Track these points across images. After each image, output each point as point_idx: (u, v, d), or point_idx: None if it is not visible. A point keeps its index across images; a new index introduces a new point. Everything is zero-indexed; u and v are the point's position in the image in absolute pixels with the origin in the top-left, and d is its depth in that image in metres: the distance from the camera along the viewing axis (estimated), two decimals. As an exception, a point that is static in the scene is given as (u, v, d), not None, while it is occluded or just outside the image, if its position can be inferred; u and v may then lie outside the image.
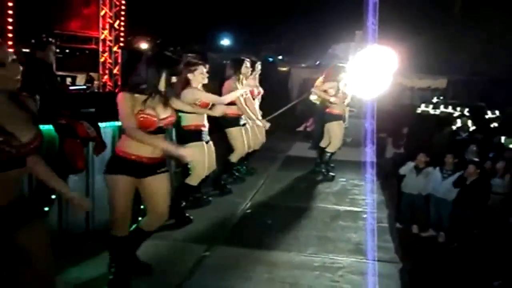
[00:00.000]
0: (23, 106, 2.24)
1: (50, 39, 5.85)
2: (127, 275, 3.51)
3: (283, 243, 4.56)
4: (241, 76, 5.87)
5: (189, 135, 4.79)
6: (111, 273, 3.48)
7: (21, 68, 2.18)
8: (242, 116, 5.90)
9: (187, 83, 4.72)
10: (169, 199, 3.59)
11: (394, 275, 4.05)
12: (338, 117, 6.92)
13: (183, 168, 5.23)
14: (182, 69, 4.65)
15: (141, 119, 3.23)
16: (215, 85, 5.41)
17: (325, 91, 6.81)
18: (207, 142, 4.88)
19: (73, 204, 2.59)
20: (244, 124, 5.97)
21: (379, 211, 5.62)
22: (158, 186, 3.44)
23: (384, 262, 4.24)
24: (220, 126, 5.69)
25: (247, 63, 5.95)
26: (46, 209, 3.87)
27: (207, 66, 4.86)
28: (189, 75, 4.72)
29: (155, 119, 3.27)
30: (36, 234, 2.33)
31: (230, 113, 5.64)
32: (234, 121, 5.73)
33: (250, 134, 6.22)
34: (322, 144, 7.07)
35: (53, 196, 3.93)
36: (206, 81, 4.83)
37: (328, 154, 7.03)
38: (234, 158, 5.93)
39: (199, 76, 4.76)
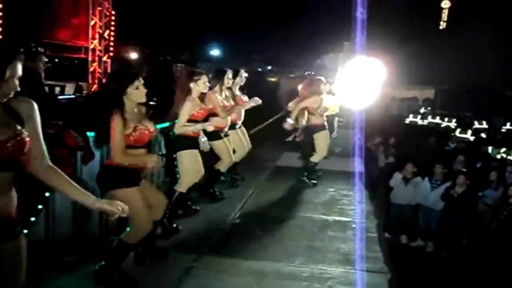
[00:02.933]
0: (8, 109, 2.14)
1: (40, 49, 5.85)
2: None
3: (271, 253, 4.54)
4: (223, 87, 5.91)
5: (185, 142, 4.82)
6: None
7: (17, 84, 2.12)
8: (225, 129, 5.91)
9: (188, 93, 4.77)
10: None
11: (383, 285, 4.05)
12: (321, 127, 6.98)
13: (172, 177, 5.22)
14: (183, 79, 4.75)
15: (138, 133, 3.41)
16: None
17: (303, 108, 6.87)
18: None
19: (106, 212, 2.40)
20: (226, 135, 5.99)
21: (368, 221, 5.62)
22: (148, 187, 3.75)
23: (373, 273, 4.24)
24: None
25: (229, 74, 6.00)
26: (33, 219, 3.83)
27: (210, 76, 4.95)
28: (191, 84, 4.79)
29: (148, 132, 3.50)
30: (15, 253, 2.17)
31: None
32: (215, 134, 5.71)
33: (236, 142, 6.26)
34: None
35: (40, 206, 3.89)
36: (207, 90, 4.96)
37: (311, 164, 7.10)
38: (222, 167, 5.94)
39: (202, 85, 4.85)
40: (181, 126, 4.75)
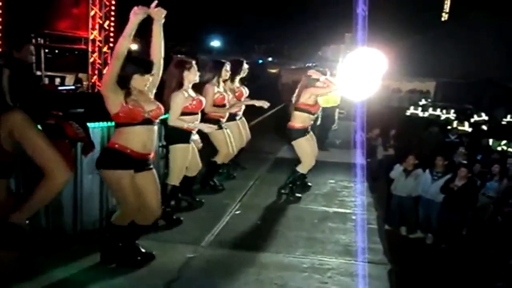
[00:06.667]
0: None
1: (39, 39, 5.72)
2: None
3: (271, 244, 4.55)
4: (220, 80, 5.82)
5: (178, 136, 4.78)
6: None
7: None
8: (222, 120, 5.84)
9: (180, 84, 4.68)
10: (159, 195, 3.83)
11: (383, 277, 4.06)
12: (302, 132, 5.97)
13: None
14: (174, 69, 4.66)
15: (129, 108, 3.47)
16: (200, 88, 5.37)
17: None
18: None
19: None
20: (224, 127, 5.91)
21: (368, 213, 5.63)
22: (149, 181, 3.69)
23: (373, 264, 4.25)
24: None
25: (227, 67, 5.88)
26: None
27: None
28: (185, 73, 4.66)
29: (141, 109, 3.52)
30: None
31: (211, 116, 5.63)
32: (214, 123, 5.63)
33: (235, 134, 6.20)
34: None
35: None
36: (197, 79, 4.84)
37: (298, 175, 6.06)
38: (219, 159, 5.91)
39: (194, 73, 4.72)
40: (176, 119, 4.67)
